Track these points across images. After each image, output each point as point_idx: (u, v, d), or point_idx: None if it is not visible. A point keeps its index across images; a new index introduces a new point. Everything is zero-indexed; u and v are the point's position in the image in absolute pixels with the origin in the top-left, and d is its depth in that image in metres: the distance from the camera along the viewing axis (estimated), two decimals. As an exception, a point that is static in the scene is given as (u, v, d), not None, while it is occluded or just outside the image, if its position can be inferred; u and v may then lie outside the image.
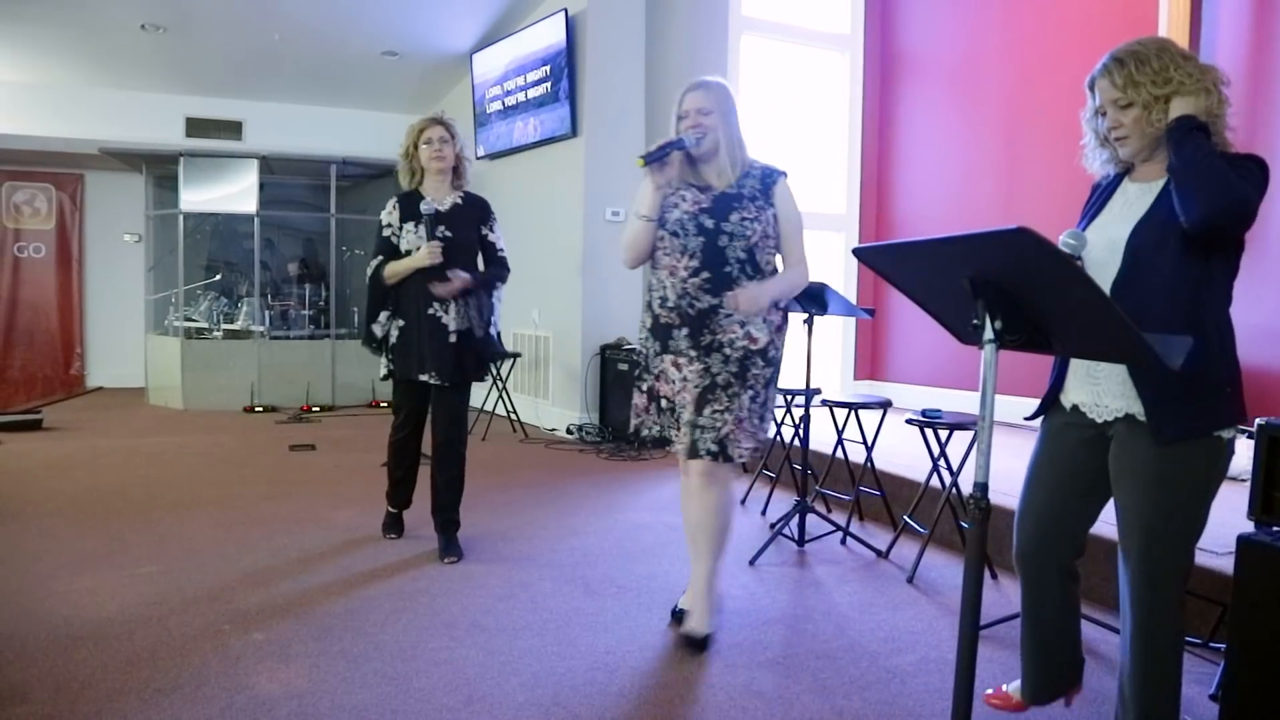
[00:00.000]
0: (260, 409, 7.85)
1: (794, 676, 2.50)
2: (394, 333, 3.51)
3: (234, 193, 8.13)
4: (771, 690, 2.40)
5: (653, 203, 2.62)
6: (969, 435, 3.32)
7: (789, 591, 3.24)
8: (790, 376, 5.33)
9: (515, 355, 6.91)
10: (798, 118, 6.71)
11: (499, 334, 3.63)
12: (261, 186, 8.20)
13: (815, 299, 3.61)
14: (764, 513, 4.33)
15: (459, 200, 3.54)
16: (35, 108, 8.44)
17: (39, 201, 9.37)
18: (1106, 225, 1.92)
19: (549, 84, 6.62)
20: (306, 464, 5.48)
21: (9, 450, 5.76)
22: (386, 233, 3.51)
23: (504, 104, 7.24)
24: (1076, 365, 1.94)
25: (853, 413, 4.12)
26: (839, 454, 4.23)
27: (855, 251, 1.69)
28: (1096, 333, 1.50)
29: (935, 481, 3.57)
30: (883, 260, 1.75)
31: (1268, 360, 4.26)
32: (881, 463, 4.12)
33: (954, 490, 3.43)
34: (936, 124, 6.36)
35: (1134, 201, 1.89)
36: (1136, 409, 1.82)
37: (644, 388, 2.74)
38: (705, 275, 2.58)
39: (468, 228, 3.51)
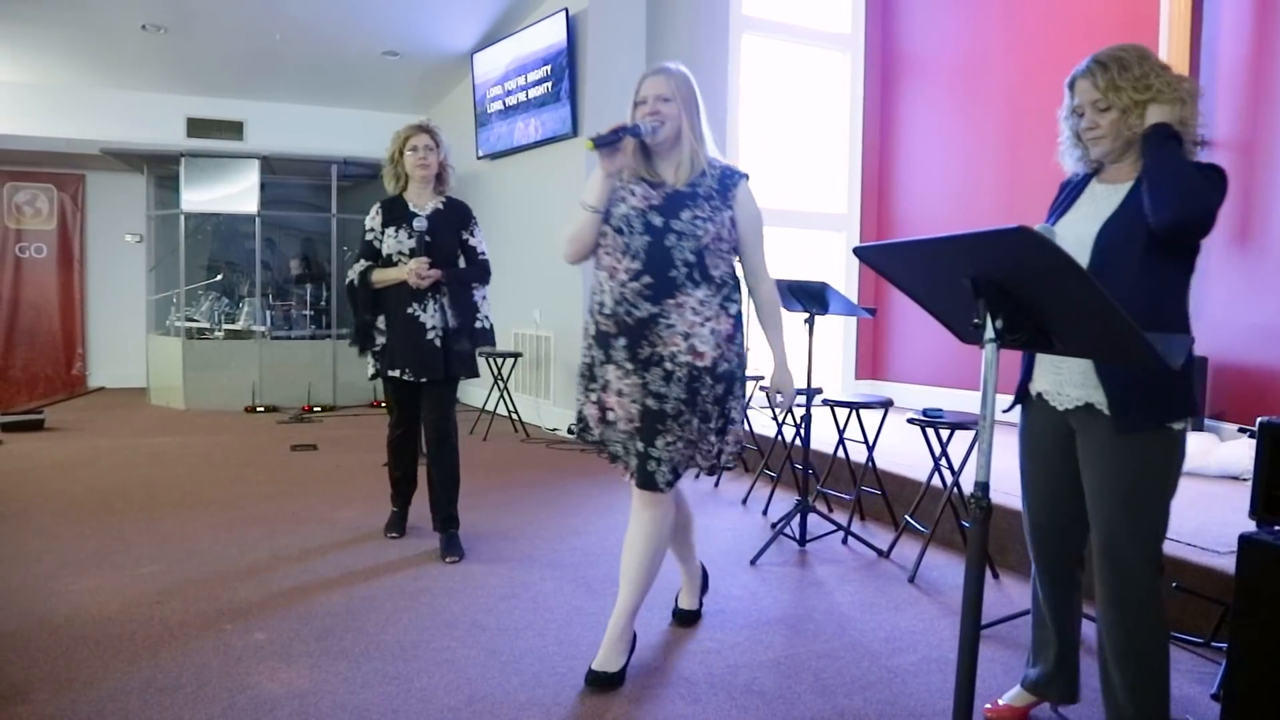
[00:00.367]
0: (262, 409, 7.85)
1: (795, 676, 2.50)
2: (381, 332, 3.59)
3: (235, 193, 8.14)
4: (773, 690, 2.41)
5: (600, 192, 2.37)
6: (970, 435, 3.32)
7: (790, 591, 3.24)
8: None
9: (516, 355, 6.91)
10: (799, 117, 6.71)
11: (492, 326, 3.66)
12: (263, 186, 8.20)
13: (816, 298, 3.61)
14: (765, 512, 4.33)
15: (441, 205, 3.61)
16: (37, 108, 8.44)
17: (40, 202, 9.38)
18: (1075, 223, 1.98)
19: (550, 84, 6.62)
20: (308, 464, 5.48)
21: (11, 450, 5.77)
22: (369, 237, 3.58)
23: (505, 104, 7.24)
24: (1043, 355, 2.00)
25: (854, 412, 4.12)
26: (840, 453, 4.23)
27: (856, 251, 1.69)
28: (1097, 332, 1.50)
29: (936, 481, 3.56)
30: (884, 260, 1.75)
31: (1269, 360, 4.26)
32: (883, 462, 4.11)
33: (955, 490, 3.43)
34: (938, 123, 6.35)
35: (1101, 201, 1.96)
36: (1096, 398, 1.90)
37: (593, 398, 2.49)
38: (646, 280, 2.33)
39: (449, 232, 3.57)
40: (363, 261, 3.56)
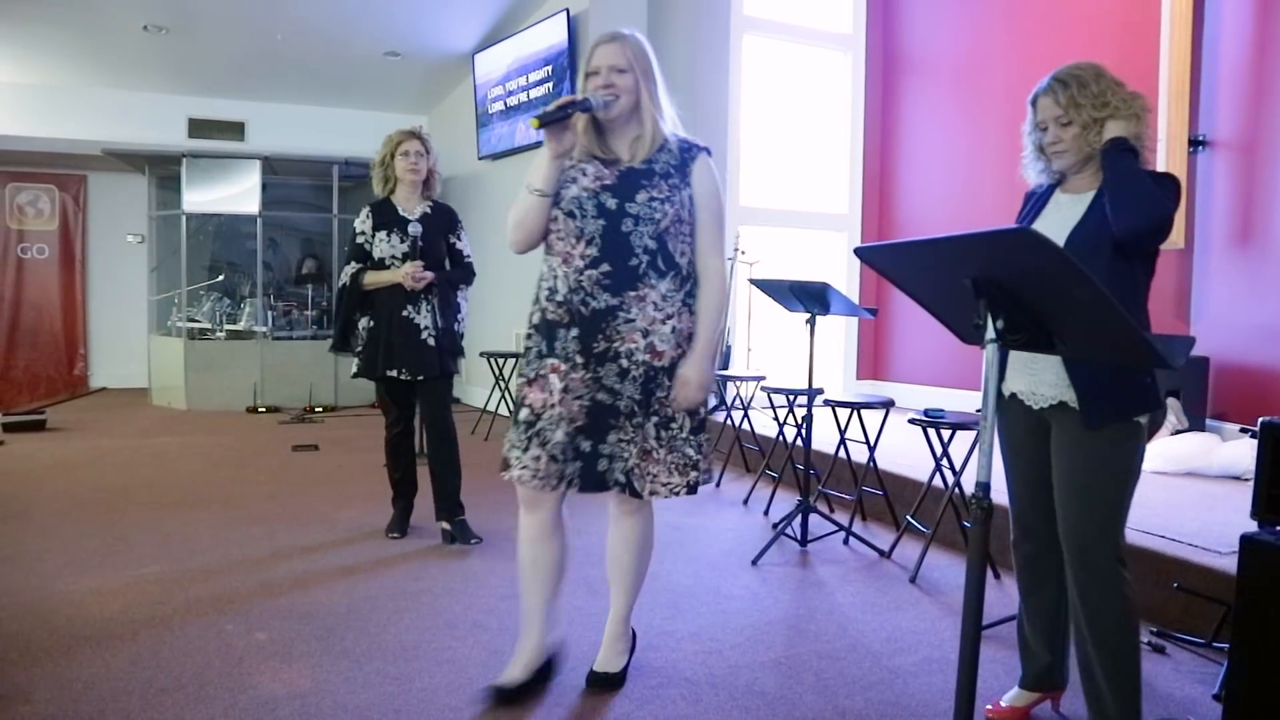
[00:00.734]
0: (263, 409, 7.86)
1: (796, 676, 2.49)
2: (362, 333, 3.69)
3: (236, 193, 8.15)
4: (774, 690, 2.40)
5: (548, 174, 2.15)
6: (971, 435, 3.32)
7: (791, 591, 3.24)
8: (793, 376, 5.35)
9: (519, 356, 6.90)
10: (800, 118, 6.70)
11: (463, 334, 3.80)
12: (264, 187, 8.21)
13: (818, 299, 3.61)
14: (766, 512, 4.33)
15: (428, 209, 3.71)
16: (38, 109, 8.46)
17: (42, 202, 9.39)
18: (1043, 231, 2.02)
19: (551, 84, 6.62)
20: (309, 464, 5.49)
21: (13, 450, 5.77)
22: (360, 240, 3.67)
23: (506, 104, 7.25)
24: (1016, 356, 2.08)
25: (855, 412, 4.12)
26: (841, 454, 4.23)
27: (857, 251, 1.69)
28: (1099, 333, 1.50)
29: (938, 481, 3.56)
30: (885, 260, 1.76)
31: (1271, 360, 4.25)
32: (884, 462, 4.11)
33: (957, 490, 3.43)
34: (939, 123, 6.35)
35: (1067, 210, 2.08)
36: (1069, 396, 2.00)
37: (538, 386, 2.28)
38: (605, 268, 2.14)
39: (436, 236, 3.68)
40: (354, 264, 3.66)
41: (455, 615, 2.91)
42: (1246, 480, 3.81)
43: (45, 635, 2.67)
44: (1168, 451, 4.07)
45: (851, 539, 3.82)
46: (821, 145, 6.75)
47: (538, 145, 7.48)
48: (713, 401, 2.18)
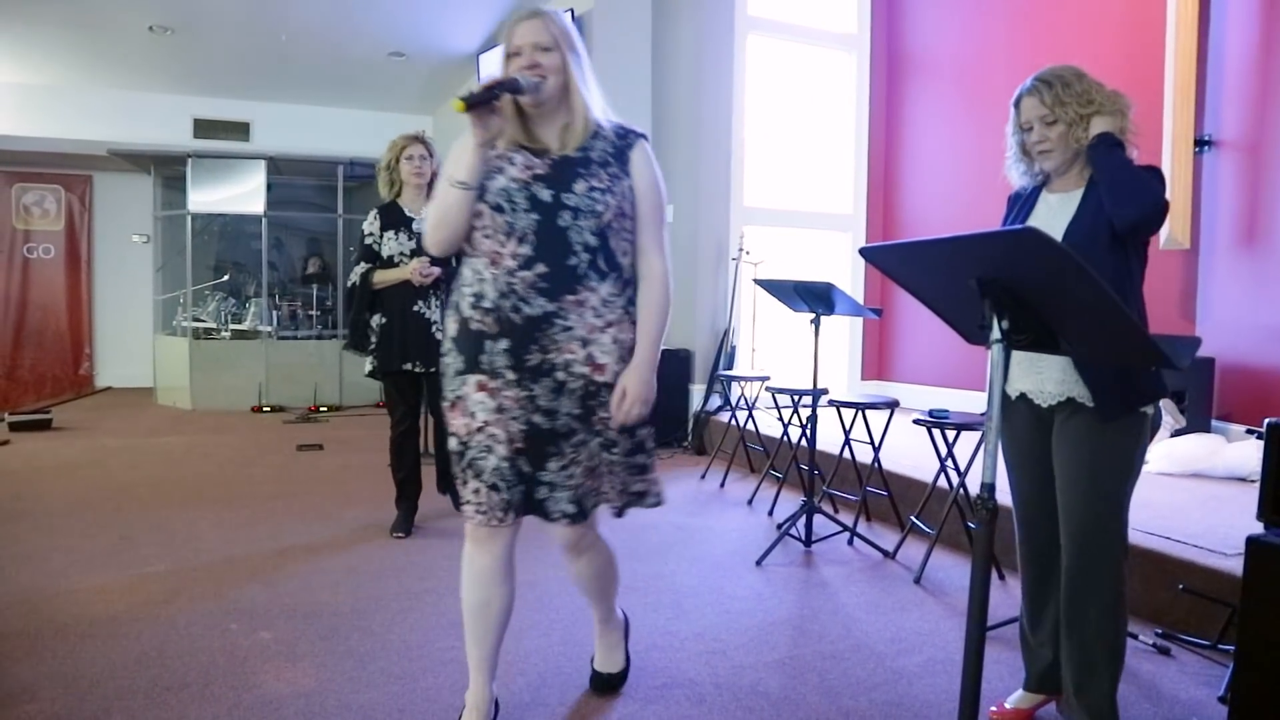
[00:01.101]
0: (268, 409, 7.87)
1: (800, 677, 2.49)
2: (375, 330, 3.79)
3: (241, 193, 8.16)
4: (778, 691, 2.40)
5: (472, 164, 1.90)
6: (976, 435, 3.31)
7: (795, 592, 3.24)
8: (797, 377, 5.35)
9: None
10: (804, 118, 6.69)
11: None
12: (269, 187, 8.23)
13: (822, 299, 3.60)
14: (771, 513, 4.33)
15: None
16: (44, 109, 8.48)
17: (48, 203, 9.42)
18: None
19: (555, 84, 6.62)
20: (314, 464, 5.49)
21: (19, 450, 5.79)
22: (369, 241, 3.79)
23: (510, 104, 7.24)
24: (1021, 356, 2.10)
25: (860, 413, 4.11)
26: (846, 454, 4.22)
27: (862, 251, 1.69)
28: (1104, 333, 1.49)
29: (942, 482, 3.56)
30: (890, 260, 1.75)
31: (1277, 361, 4.24)
32: (888, 463, 4.11)
33: (961, 490, 3.42)
34: (944, 124, 6.34)
35: (1057, 209, 2.10)
36: (1077, 392, 2.02)
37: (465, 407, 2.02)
38: (541, 269, 1.90)
39: None
40: (364, 264, 3.77)
41: (459, 615, 2.89)
42: (1252, 482, 3.80)
43: (50, 634, 2.68)
44: (1173, 453, 4.06)
45: (856, 539, 3.81)
46: (826, 145, 6.74)
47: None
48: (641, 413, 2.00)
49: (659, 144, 6.50)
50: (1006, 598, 3.12)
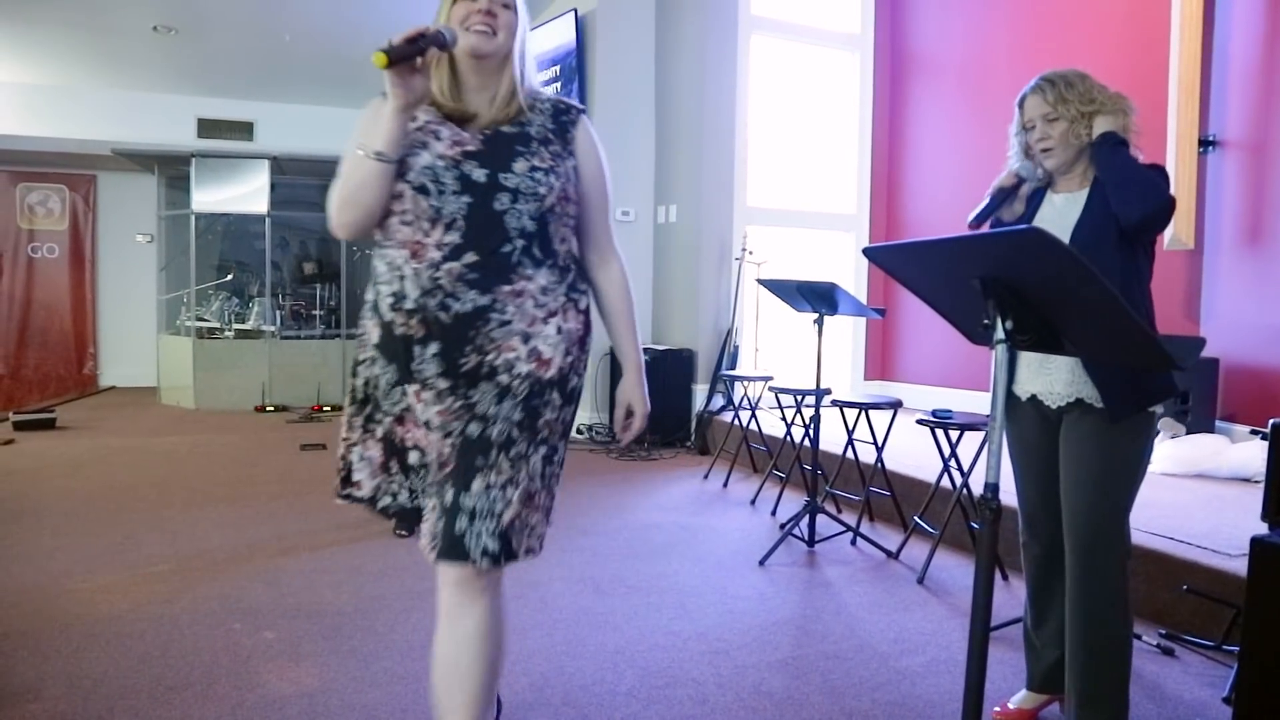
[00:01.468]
0: (271, 408, 7.88)
1: (803, 677, 2.49)
2: None
3: (245, 193, 8.17)
4: (781, 691, 2.40)
5: (392, 131, 1.60)
6: (980, 436, 3.31)
7: (799, 592, 3.24)
8: (801, 377, 5.35)
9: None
10: (808, 118, 6.69)
11: None
12: (273, 187, 8.23)
13: (825, 299, 3.60)
14: (774, 513, 4.33)
15: None
16: (48, 109, 8.50)
17: (52, 202, 9.44)
18: None
19: (559, 84, 6.62)
20: (317, 463, 5.50)
21: (23, 449, 5.80)
22: None
23: (514, 104, 7.24)
24: (1029, 359, 2.11)
25: (863, 413, 4.11)
26: (849, 454, 4.22)
27: (865, 251, 1.69)
28: (1108, 333, 1.49)
29: (946, 482, 3.55)
30: (893, 260, 1.75)
31: (1281, 361, 4.23)
32: (892, 463, 4.10)
33: (965, 491, 3.42)
34: (947, 123, 6.33)
35: (1063, 209, 2.10)
36: (1085, 393, 2.03)
37: (378, 433, 1.76)
38: (470, 258, 1.61)
39: None
40: None
41: (462, 614, 2.91)
42: (1256, 482, 3.79)
43: (55, 633, 2.69)
44: (1177, 453, 4.05)
45: (859, 539, 3.81)
46: (829, 145, 6.74)
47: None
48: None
49: (662, 144, 6.51)
50: (1010, 598, 3.12)
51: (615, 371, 6.42)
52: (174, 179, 8.71)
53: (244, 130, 9.15)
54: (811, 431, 3.81)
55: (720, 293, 6.26)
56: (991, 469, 1.53)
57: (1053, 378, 2.08)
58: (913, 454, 4.31)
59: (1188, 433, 4.24)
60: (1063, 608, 2.20)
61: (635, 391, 1.84)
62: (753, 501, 4.56)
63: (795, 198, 6.63)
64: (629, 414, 1.84)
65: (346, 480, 1.83)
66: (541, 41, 6.75)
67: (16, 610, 2.88)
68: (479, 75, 1.68)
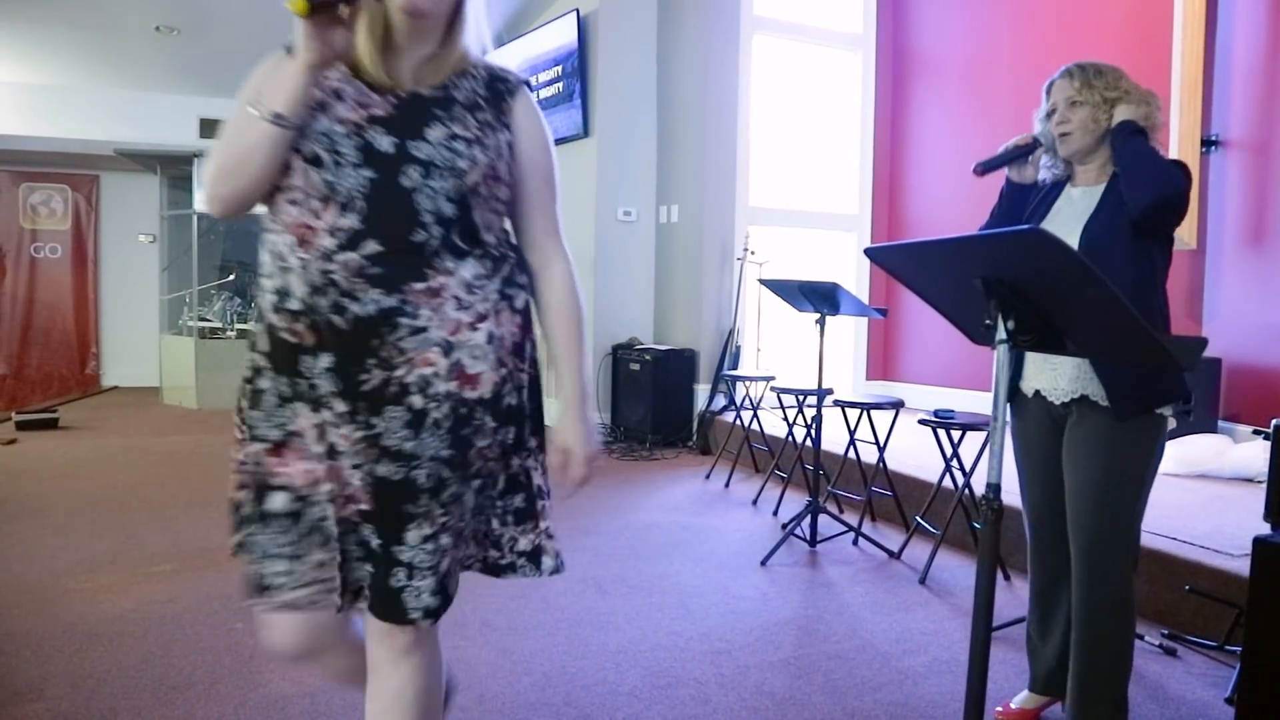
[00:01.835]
0: (273, 408, 7.89)
1: (805, 677, 2.49)
2: None
3: (248, 193, 8.18)
4: (783, 691, 2.40)
5: (295, 92, 1.29)
6: (982, 436, 3.31)
7: (800, 592, 3.24)
8: (802, 377, 5.34)
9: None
10: (810, 118, 6.69)
11: None
12: (275, 187, 8.24)
13: (827, 299, 3.60)
14: (775, 513, 4.33)
15: None
16: (51, 109, 8.51)
17: (55, 202, 9.45)
18: (1055, 226, 2.07)
19: (561, 84, 6.62)
20: (319, 463, 5.50)
21: (25, 449, 5.81)
22: None
23: (516, 104, 7.24)
24: (1034, 354, 2.09)
25: (865, 413, 4.11)
26: (851, 454, 4.22)
27: (867, 252, 1.69)
28: (1110, 333, 1.49)
29: (948, 482, 3.55)
30: (895, 260, 1.75)
31: (1284, 361, 4.23)
32: (894, 463, 4.10)
33: (967, 491, 3.42)
34: (949, 123, 6.33)
35: (1079, 203, 2.08)
36: (1090, 390, 2.00)
37: (248, 466, 1.46)
38: (373, 248, 1.29)
39: None
40: None
41: (463, 614, 2.91)
42: (1259, 482, 3.79)
43: (58, 632, 2.69)
44: (1180, 453, 4.05)
45: (861, 540, 3.81)
46: (831, 145, 6.74)
47: (558, 141, 7.57)
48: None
49: (664, 144, 6.51)
50: (1012, 598, 3.12)
51: (618, 372, 6.43)
52: (176, 179, 8.73)
53: (246, 130, 9.16)
54: (813, 431, 3.81)
55: (722, 293, 6.26)
56: (993, 469, 1.53)
57: (1057, 373, 2.06)
58: (914, 454, 4.31)
59: (1189, 433, 4.24)
60: (1066, 608, 2.20)
61: (573, 429, 1.49)
62: (754, 501, 4.56)
63: (797, 198, 6.62)
64: (565, 457, 1.50)
65: (240, 518, 1.51)
66: (543, 41, 6.75)
67: (19, 610, 2.88)
68: (414, 40, 1.36)
